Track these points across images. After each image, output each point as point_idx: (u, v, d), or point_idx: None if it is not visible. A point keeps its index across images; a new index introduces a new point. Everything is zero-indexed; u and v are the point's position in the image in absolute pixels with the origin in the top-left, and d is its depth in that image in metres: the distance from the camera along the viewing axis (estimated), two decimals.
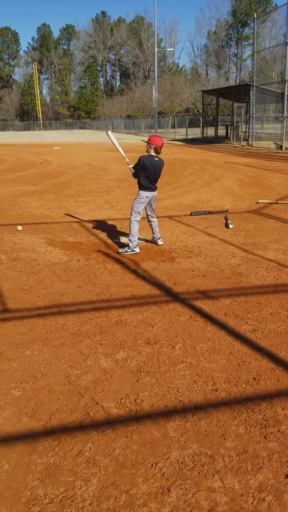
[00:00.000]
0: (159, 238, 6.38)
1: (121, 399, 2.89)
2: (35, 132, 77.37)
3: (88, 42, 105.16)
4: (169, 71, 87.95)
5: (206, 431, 2.60)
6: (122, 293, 4.65)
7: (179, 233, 7.09)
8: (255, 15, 26.52)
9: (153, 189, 5.99)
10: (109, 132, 6.74)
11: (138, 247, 5.97)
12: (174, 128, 45.87)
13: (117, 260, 5.71)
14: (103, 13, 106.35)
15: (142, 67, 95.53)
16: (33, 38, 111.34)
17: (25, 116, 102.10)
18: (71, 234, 7.04)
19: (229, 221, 7.50)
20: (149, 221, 6.26)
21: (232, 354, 3.43)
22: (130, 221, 5.95)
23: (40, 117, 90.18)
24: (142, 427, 2.63)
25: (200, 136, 37.67)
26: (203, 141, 34.12)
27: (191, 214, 8.38)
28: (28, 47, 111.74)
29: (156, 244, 6.36)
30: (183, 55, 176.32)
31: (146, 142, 5.98)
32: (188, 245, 6.40)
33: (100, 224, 7.64)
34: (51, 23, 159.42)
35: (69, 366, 3.27)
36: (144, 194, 5.91)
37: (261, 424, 2.66)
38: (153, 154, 5.87)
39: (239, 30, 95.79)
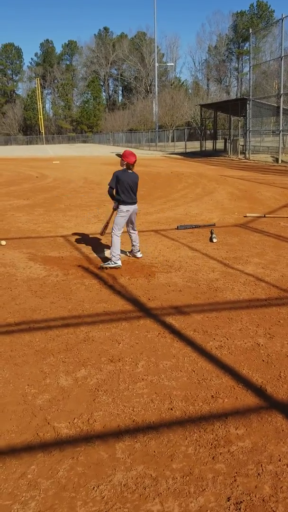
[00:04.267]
0: (138, 251, 6.45)
1: (74, 419, 2.85)
2: (38, 146, 78.03)
3: (91, 57, 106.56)
4: (171, 85, 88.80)
5: (154, 452, 2.56)
6: (95, 309, 4.63)
7: (163, 247, 7.08)
8: (250, 30, 26.80)
9: (133, 202, 5.99)
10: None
11: (120, 261, 5.95)
12: (174, 141, 46.17)
13: (96, 275, 5.70)
14: (106, 29, 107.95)
15: (144, 81, 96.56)
16: (36, 54, 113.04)
17: (28, 131, 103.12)
18: (54, 248, 7.05)
19: (214, 235, 7.49)
20: (129, 233, 6.29)
21: (194, 371, 3.40)
22: (112, 236, 5.95)
23: (43, 131, 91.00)
24: (90, 448, 2.59)
25: (199, 149, 37.86)
26: (202, 154, 34.28)
27: (177, 228, 8.38)
28: (31, 63, 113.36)
29: (135, 256, 6.42)
30: (184, 70, 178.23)
31: (120, 156, 5.96)
32: (169, 259, 6.38)
33: (85, 239, 7.65)
34: (54, 39, 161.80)
35: (28, 385, 3.24)
36: (125, 208, 5.91)
37: (211, 444, 2.61)
38: (127, 167, 5.92)
39: (240, 44, 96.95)
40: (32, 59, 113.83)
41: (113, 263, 5.92)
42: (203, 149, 37.05)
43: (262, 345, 3.81)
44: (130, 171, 5.90)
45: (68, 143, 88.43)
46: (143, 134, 54.05)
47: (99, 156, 36.83)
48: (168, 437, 2.68)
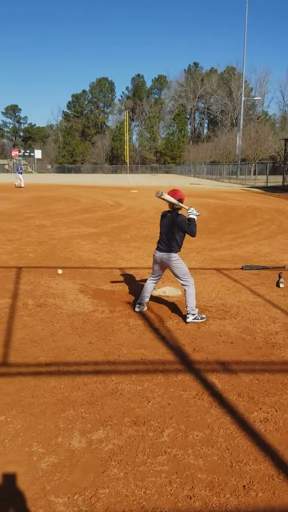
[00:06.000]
0: (188, 314, 5.12)
1: (75, 494, 2.45)
2: (121, 175, 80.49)
3: (179, 91, 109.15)
4: (257, 119, 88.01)
5: None
6: (132, 355, 4.24)
7: (222, 288, 6.55)
8: None
9: (158, 248, 5.22)
10: (163, 195, 5.02)
11: (137, 307, 5.46)
12: (255, 175, 45.20)
13: (142, 315, 5.33)
14: (195, 64, 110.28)
15: (230, 115, 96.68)
16: (127, 88, 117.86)
17: (114, 160, 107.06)
18: (107, 281, 6.80)
19: (281, 280, 6.83)
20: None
21: (228, 449, 2.86)
22: None
23: (127, 161, 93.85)
24: None
25: (281, 184, 36.62)
26: (284, 189, 33.07)
27: (242, 268, 7.80)
28: (122, 96, 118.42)
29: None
30: (272, 104, 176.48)
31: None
32: (226, 303, 5.85)
33: (141, 273, 7.33)
34: (145, 73, 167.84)
35: (37, 441, 2.90)
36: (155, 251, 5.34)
37: None
38: (170, 209, 5.18)
39: None
40: (123, 92, 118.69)
41: (137, 305, 5.54)
42: (286, 183, 35.76)
43: None
44: (168, 213, 5.18)
45: (151, 173, 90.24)
46: (224, 166, 53.66)
47: (178, 187, 36.90)
48: None
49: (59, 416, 3.20)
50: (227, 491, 2.50)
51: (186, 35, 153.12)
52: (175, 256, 5.14)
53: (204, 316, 5.23)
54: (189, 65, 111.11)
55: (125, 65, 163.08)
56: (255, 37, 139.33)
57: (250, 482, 2.57)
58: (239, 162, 51.15)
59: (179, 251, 5.21)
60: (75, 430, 3.03)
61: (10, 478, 2.55)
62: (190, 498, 2.45)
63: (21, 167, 38.48)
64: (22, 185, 31.99)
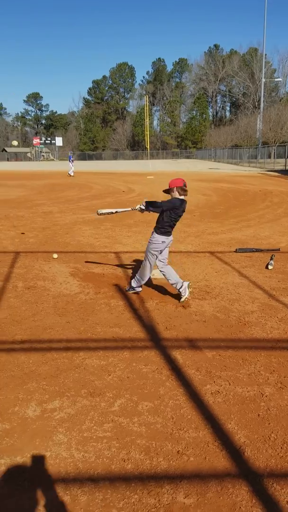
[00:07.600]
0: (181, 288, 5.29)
1: (17, 456, 2.65)
2: (142, 161, 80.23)
3: (200, 74, 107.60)
4: (280, 100, 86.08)
5: (81, 510, 2.26)
6: (106, 333, 4.41)
7: (211, 271, 6.65)
8: None
9: (171, 233, 5.40)
10: (100, 211, 6.09)
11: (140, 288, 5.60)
12: (275, 158, 44.49)
13: (125, 296, 5.49)
14: (216, 46, 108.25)
15: (252, 97, 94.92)
16: (147, 72, 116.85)
17: (135, 146, 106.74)
18: (100, 264, 6.97)
19: (271, 261, 6.88)
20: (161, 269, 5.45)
21: (173, 418, 3.02)
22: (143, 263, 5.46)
23: (148, 147, 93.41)
24: (17, 492, 2.37)
25: None
26: None
27: (235, 251, 7.86)
28: (142, 81, 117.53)
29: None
30: None
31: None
32: (210, 285, 5.96)
33: (136, 257, 7.47)
34: (166, 57, 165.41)
35: None
36: (161, 238, 5.28)
37: (147, 511, 2.25)
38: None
39: None
40: (143, 77, 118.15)
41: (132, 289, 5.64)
42: None
43: (266, 395, 3.29)
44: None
45: (172, 159, 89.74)
46: (244, 150, 52.93)
47: (196, 172, 36.65)
48: (105, 494, 2.37)
49: (21, 388, 3.41)
50: (161, 455, 2.66)
51: (206, 17, 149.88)
52: (153, 236, 5.26)
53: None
54: (210, 47, 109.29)
55: (146, 49, 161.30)
56: (277, 16, 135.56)
57: (185, 448, 2.72)
58: (259, 146, 50.37)
59: (162, 231, 5.26)
60: (32, 401, 3.23)
61: None
62: (124, 461, 2.62)
63: (71, 154, 34.44)
64: (71, 173, 30.68)
